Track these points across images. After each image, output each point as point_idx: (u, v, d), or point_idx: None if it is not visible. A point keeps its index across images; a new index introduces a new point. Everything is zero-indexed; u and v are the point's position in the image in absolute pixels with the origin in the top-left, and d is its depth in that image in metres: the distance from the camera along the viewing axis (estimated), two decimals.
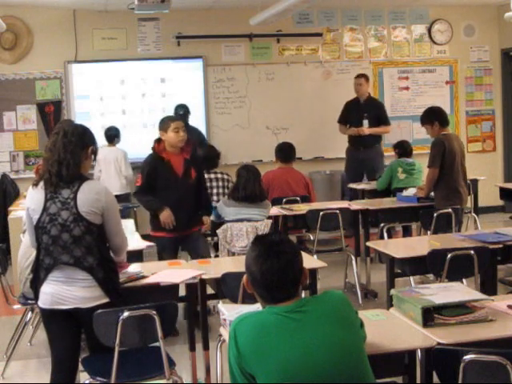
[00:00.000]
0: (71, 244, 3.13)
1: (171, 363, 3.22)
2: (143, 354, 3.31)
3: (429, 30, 9.30)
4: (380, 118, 7.84)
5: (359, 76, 7.93)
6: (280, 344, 2.11)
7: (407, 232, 6.85)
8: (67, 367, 3.29)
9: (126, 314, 3.02)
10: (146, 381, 3.21)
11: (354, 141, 7.84)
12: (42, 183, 3.20)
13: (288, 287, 2.22)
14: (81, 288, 3.14)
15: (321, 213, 5.55)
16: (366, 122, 7.72)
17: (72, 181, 3.16)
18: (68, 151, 3.17)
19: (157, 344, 3.16)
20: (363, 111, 7.79)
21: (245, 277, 2.31)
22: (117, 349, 3.03)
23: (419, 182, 6.65)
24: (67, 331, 3.24)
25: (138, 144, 8.05)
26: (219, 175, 6.22)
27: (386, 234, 6.09)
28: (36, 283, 3.26)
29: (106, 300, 3.17)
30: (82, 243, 3.13)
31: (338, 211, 5.62)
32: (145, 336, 3.15)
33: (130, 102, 8.43)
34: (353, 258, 5.79)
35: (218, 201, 5.92)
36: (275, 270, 2.20)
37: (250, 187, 5.05)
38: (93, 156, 3.31)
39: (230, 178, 6.25)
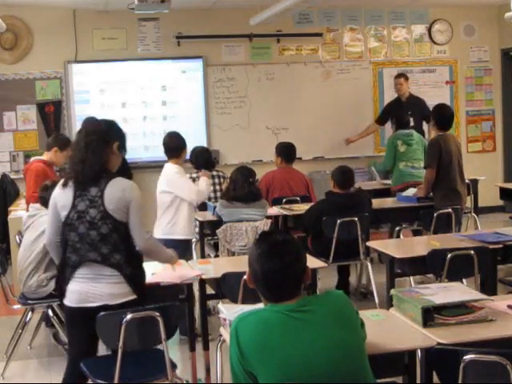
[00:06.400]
0: (99, 242, 3.12)
1: (172, 365, 3.19)
2: (144, 355, 3.27)
3: (429, 30, 9.30)
4: (424, 114, 7.83)
5: (399, 76, 8.11)
6: (283, 343, 2.11)
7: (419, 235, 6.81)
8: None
9: (129, 316, 3.00)
10: (147, 383, 3.19)
11: None
12: (70, 182, 3.20)
13: (289, 287, 2.21)
14: (108, 284, 3.13)
15: None
16: (410, 120, 7.79)
17: (99, 179, 3.16)
18: (89, 150, 3.17)
19: (159, 346, 3.14)
20: (407, 110, 7.86)
21: (247, 272, 2.31)
22: (120, 351, 3.01)
23: (419, 154, 6.70)
24: (89, 332, 3.16)
25: (138, 142, 8.13)
26: (214, 172, 6.26)
27: (394, 235, 6.12)
28: (61, 281, 3.24)
29: (133, 297, 3.17)
30: (109, 241, 3.12)
31: None
32: (148, 338, 3.12)
33: (130, 101, 8.42)
34: None
35: (215, 197, 5.98)
36: (277, 271, 2.19)
37: (238, 187, 5.11)
38: (122, 150, 3.31)
39: (225, 174, 6.30)
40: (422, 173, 6.52)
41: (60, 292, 3.28)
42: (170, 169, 5.02)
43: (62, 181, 3.27)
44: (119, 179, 3.22)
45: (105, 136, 3.24)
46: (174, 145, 5.09)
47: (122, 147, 3.32)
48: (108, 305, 3.12)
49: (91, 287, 3.14)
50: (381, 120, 8.28)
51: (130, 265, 3.17)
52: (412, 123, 7.75)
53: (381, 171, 7.72)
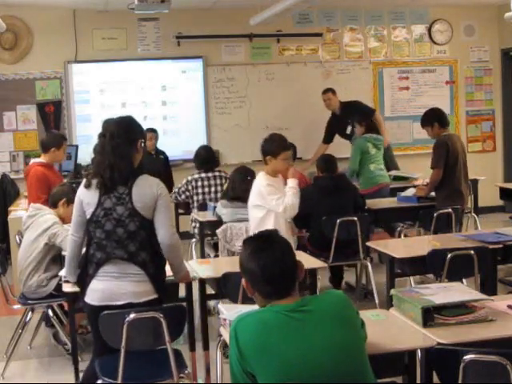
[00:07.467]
0: (126, 239, 3.11)
1: (183, 366, 3.19)
2: (155, 355, 3.24)
3: (429, 30, 9.30)
4: (365, 113, 7.70)
5: (326, 91, 7.96)
6: (282, 344, 2.11)
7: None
8: None
9: (131, 316, 2.98)
10: (153, 383, 3.17)
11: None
12: (94, 182, 3.16)
13: (286, 281, 2.23)
14: (132, 282, 3.12)
15: None
16: (349, 129, 7.64)
17: (126, 179, 3.14)
18: (117, 155, 3.14)
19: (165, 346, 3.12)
20: (345, 119, 7.74)
21: (243, 280, 2.31)
22: (123, 351, 3.00)
23: (380, 158, 6.77)
24: None
25: None
26: (217, 173, 6.25)
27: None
28: (84, 279, 3.21)
29: (155, 296, 3.16)
30: (136, 238, 3.12)
31: None
32: (154, 338, 3.10)
33: (130, 101, 8.42)
34: None
35: (216, 198, 5.97)
36: (274, 261, 2.22)
37: (237, 188, 5.13)
38: (142, 144, 3.27)
39: (226, 174, 6.29)
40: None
41: (81, 289, 3.24)
42: (260, 180, 4.46)
43: (84, 182, 3.22)
44: (146, 176, 3.21)
45: (129, 136, 3.21)
46: (263, 148, 4.51)
47: (144, 143, 3.30)
48: (132, 303, 3.11)
49: (115, 286, 3.12)
50: (326, 140, 8.20)
51: (154, 264, 3.17)
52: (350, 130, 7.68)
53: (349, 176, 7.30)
